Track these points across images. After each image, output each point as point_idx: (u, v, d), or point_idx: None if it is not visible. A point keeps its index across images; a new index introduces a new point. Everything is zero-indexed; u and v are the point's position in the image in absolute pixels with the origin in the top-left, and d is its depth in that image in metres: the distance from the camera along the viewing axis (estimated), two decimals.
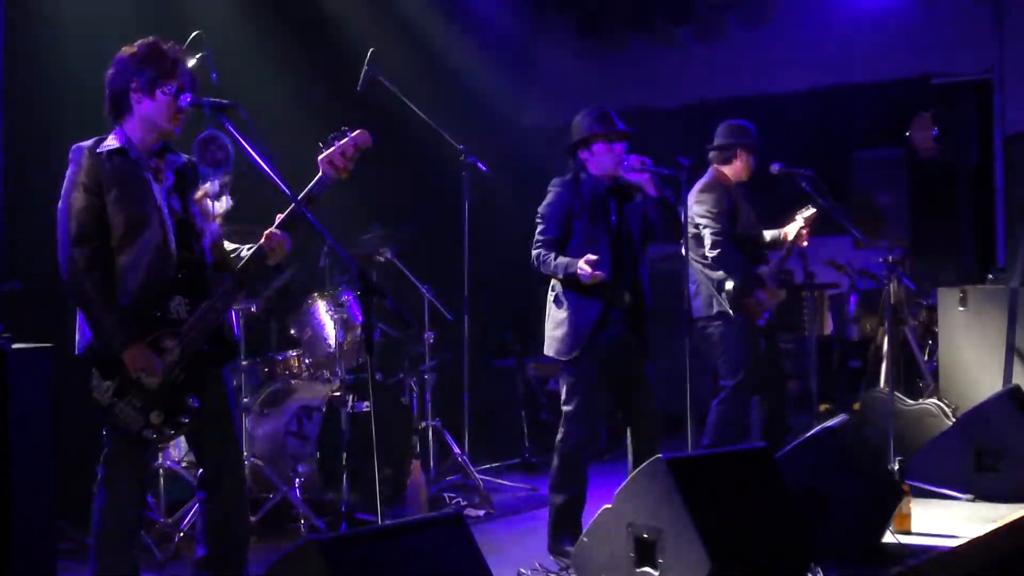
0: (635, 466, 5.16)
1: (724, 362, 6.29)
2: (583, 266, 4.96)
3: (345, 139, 4.02)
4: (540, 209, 5.25)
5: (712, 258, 6.24)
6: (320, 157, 4.02)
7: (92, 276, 3.91)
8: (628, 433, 5.31)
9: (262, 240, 4.05)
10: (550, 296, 5.28)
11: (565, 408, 5.20)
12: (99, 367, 3.96)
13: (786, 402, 6.60)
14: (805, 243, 6.46)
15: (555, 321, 5.22)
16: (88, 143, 4.02)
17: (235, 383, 5.76)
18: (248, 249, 4.14)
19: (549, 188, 5.26)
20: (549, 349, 5.25)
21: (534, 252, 5.18)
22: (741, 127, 6.49)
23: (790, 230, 6.43)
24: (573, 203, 5.16)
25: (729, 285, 6.20)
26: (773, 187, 6.60)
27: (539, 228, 5.22)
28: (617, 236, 5.18)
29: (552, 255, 5.11)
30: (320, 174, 4.03)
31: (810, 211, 6.36)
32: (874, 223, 8.42)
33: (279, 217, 4.07)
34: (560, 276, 5.12)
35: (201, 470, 4.22)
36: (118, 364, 3.92)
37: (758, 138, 6.49)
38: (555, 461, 5.21)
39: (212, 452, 4.17)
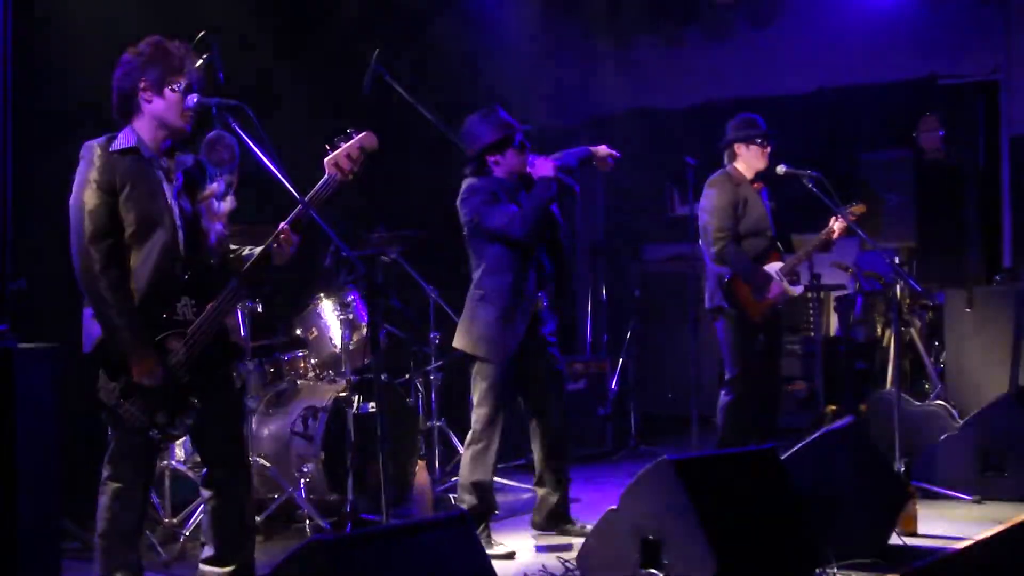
0: (543, 459, 5.27)
1: (725, 356, 6.38)
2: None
3: (351, 141, 4.00)
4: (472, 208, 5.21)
5: (714, 253, 6.31)
6: (326, 159, 4.01)
7: (108, 274, 3.89)
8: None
9: (273, 237, 4.02)
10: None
11: None
12: (106, 367, 3.95)
13: (778, 402, 6.61)
14: (833, 236, 6.44)
15: None
16: (99, 140, 4.01)
17: (240, 384, 5.76)
18: (250, 250, 4.13)
19: (466, 191, 5.26)
20: None
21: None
22: (745, 121, 6.47)
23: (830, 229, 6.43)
24: (500, 194, 5.18)
25: (724, 281, 6.27)
26: (779, 188, 6.59)
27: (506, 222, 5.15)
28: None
29: None
30: (326, 176, 4.01)
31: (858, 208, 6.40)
32: (877, 222, 8.40)
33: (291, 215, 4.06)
34: None
35: (207, 470, 4.23)
36: (125, 364, 3.92)
37: (766, 130, 6.45)
38: None
39: (218, 452, 4.18)
